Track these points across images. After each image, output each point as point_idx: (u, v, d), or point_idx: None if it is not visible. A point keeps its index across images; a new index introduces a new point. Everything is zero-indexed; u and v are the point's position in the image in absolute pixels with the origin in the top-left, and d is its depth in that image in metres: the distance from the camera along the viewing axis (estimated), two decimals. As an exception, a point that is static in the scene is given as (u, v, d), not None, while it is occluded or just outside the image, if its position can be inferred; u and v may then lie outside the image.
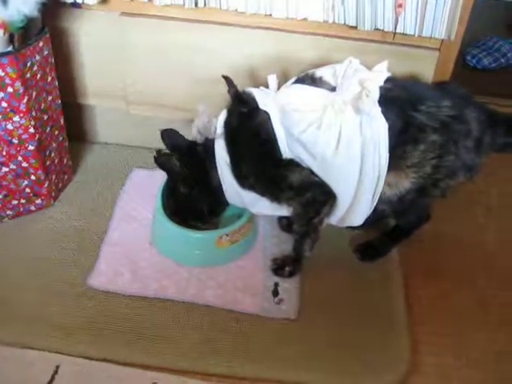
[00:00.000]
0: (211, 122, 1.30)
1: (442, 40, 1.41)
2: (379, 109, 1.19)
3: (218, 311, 1.33)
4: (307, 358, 1.25)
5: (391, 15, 1.37)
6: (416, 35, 1.39)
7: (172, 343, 1.26)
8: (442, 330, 1.34)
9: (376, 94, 1.19)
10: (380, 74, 1.25)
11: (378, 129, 1.20)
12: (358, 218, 1.32)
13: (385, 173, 1.23)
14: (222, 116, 1.30)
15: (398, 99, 1.23)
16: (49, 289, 1.35)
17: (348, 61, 1.25)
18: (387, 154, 1.21)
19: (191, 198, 1.38)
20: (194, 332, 1.28)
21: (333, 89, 1.23)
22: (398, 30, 1.39)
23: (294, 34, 1.45)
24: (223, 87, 1.32)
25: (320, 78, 1.25)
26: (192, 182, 1.36)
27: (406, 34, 1.40)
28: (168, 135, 1.38)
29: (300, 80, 1.28)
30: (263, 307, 1.34)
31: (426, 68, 1.46)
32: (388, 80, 1.25)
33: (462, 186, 1.33)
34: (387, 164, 1.22)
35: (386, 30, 1.39)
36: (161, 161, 1.32)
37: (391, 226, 1.48)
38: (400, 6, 1.34)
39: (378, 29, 1.40)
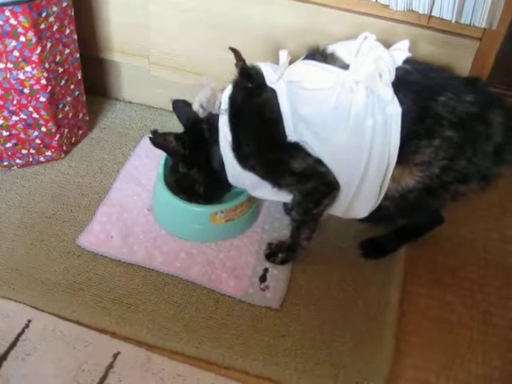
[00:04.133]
0: (215, 96, 1.22)
1: (485, 29, 1.26)
2: (393, 92, 1.09)
3: (200, 289, 1.29)
4: (278, 352, 1.19)
5: (427, -4, 1.24)
6: (453, 21, 1.25)
7: (145, 314, 1.23)
8: (433, 344, 1.24)
9: (391, 76, 1.09)
10: (399, 52, 1.13)
11: (391, 113, 1.09)
12: (363, 209, 1.23)
13: (394, 162, 1.13)
14: (228, 90, 1.22)
15: (417, 84, 1.12)
16: (38, 242, 1.35)
17: (363, 36, 1.14)
18: (398, 143, 1.11)
19: (189, 177, 1.32)
20: (170, 306, 1.25)
21: (345, 66, 1.13)
22: (433, 14, 1.26)
23: (323, 7, 1.34)
24: (252, 58, 1.23)
25: (332, 55, 1.15)
26: (191, 162, 1.30)
27: (442, 19, 1.26)
28: (179, 107, 1.33)
29: (310, 55, 1.18)
30: (247, 292, 1.28)
31: (464, 58, 1.32)
32: (408, 61, 1.14)
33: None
34: (397, 153, 1.12)
35: (420, 12, 1.27)
36: (157, 141, 1.25)
37: (401, 224, 1.38)
38: (438, -13, 1.21)
39: (412, 10, 1.27)
